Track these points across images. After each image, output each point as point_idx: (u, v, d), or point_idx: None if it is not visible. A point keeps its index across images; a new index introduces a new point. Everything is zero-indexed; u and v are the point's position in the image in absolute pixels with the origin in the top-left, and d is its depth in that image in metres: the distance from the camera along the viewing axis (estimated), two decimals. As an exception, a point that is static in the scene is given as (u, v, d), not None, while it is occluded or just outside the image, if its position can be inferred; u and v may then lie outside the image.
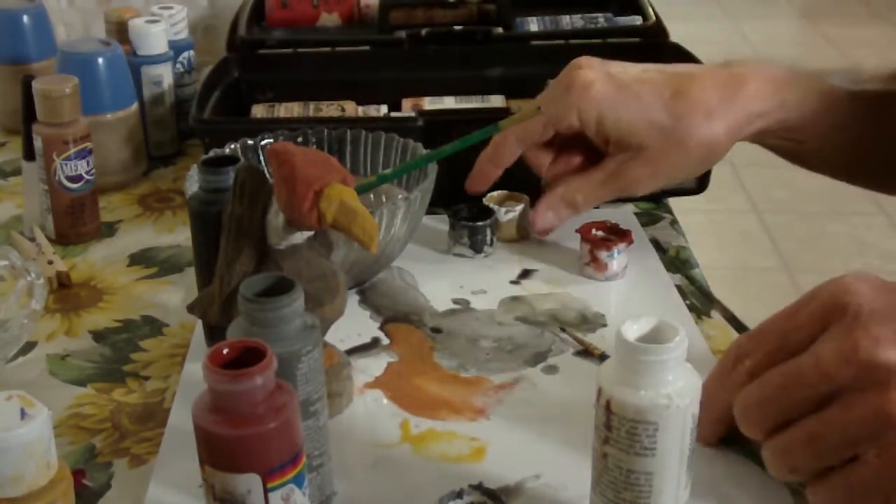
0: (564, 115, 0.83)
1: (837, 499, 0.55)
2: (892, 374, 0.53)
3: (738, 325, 0.79)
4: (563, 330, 0.73)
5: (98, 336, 0.83)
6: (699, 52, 1.04)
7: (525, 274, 0.90)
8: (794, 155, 0.88)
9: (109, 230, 1.00)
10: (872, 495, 0.54)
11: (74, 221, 0.96)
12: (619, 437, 0.56)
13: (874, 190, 0.93)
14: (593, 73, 0.83)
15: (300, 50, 1.13)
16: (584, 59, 0.84)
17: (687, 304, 0.85)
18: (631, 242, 0.89)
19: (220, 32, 1.27)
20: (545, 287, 0.88)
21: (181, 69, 1.15)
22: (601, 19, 1.18)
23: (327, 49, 1.14)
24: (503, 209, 0.92)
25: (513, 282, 0.89)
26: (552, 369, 0.77)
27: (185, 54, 1.15)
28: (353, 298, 0.85)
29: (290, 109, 1.06)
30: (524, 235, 0.93)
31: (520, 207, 0.92)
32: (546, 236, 0.90)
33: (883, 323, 0.54)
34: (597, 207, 0.90)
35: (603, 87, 0.82)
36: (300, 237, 0.67)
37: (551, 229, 0.90)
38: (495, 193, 0.94)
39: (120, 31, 1.14)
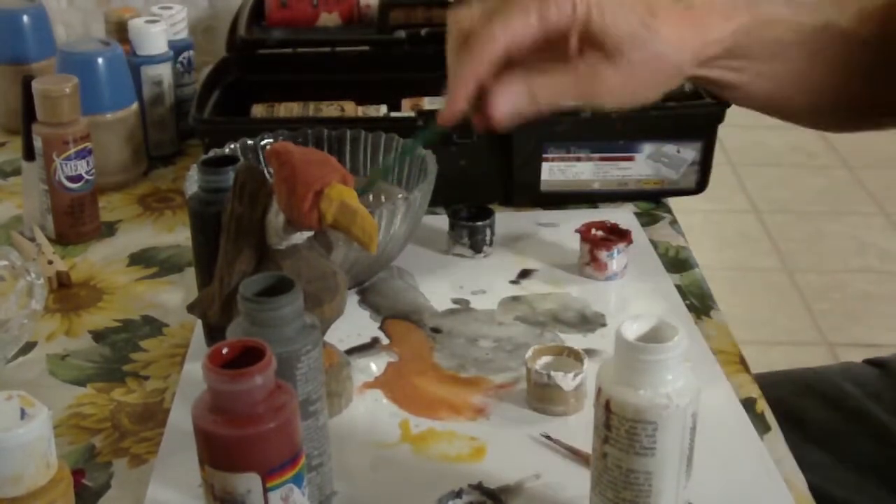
0: (562, 4, 0.73)
1: None
2: None
3: None
4: (549, 438, 0.71)
5: (98, 336, 0.83)
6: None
7: (525, 274, 0.90)
8: (730, 87, 0.86)
9: (109, 230, 1.00)
10: None
11: (74, 221, 0.96)
12: (618, 436, 0.56)
13: (810, 126, 0.90)
14: None
15: (300, 50, 1.13)
16: None
17: (686, 304, 0.85)
18: (631, 242, 0.89)
19: (220, 32, 1.27)
20: (545, 287, 0.88)
21: (181, 69, 1.15)
22: (601, 19, 1.18)
23: (327, 49, 1.13)
24: (570, 374, 0.72)
25: (512, 282, 0.89)
26: (552, 369, 0.77)
27: (185, 54, 1.15)
28: (353, 298, 0.85)
29: (290, 109, 1.05)
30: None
31: (582, 374, 0.73)
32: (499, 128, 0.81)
33: None
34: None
35: None
36: (300, 237, 0.67)
37: (506, 122, 0.76)
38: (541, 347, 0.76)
39: (120, 31, 1.14)
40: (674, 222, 0.99)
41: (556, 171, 1.00)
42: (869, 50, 0.80)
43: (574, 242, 0.90)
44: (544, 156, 0.99)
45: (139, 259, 0.95)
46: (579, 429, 0.69)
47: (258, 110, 1.06)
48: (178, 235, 0.98)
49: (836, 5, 0.83)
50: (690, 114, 0.99)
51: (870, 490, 0.88)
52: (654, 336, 0.56)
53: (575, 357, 0.74)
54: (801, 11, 0.82)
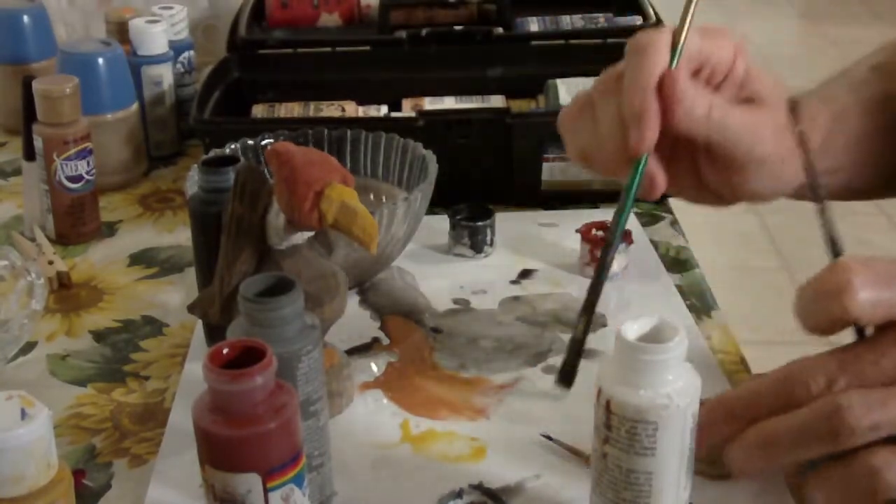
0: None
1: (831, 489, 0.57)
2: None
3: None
4: (550, 438, 0.71)
5: (98, 336, 0.83)
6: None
7: (525, 274, 0.90)
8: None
9: (110, 230, 1.00)
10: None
11: (75, 221, 0.96)
12: (618, 436, 0.56)
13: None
14: None
15: (300, 50, 1.13)
16: None
17: (687, 304, 0.85)
18: (631, 242, 0.89)
19: (221, 32, 1.27)
20: (545, 287, 0.88)
21: (181, 69, 1.15)
22: (601, 19, 1.18)
23: (327, 49, 1.14)
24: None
25: (513, 282, 0.89)
26: (552, 369, 0.77)
27: (186, 54, 1.15)
28: (353, 298, 0.85)
29: (290, 109, 1.06)
30: None
31: None
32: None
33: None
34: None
35: None
36: (300, 237, 0.67)
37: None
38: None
39: (120, 31, 1.14)
40: (674, 222, 0.99)
41: (556, 171, 1.00)
42: None
43: (574, 242, 0.90)
44: (544, 156, 0.99)
45: (139, 259, 0.95)
46: (579, 429, 0.69)
47: (258, 110, 1.06)
48: (178, 236, 0.98)
49: (888, 74, 0.80)
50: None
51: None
52: (655, 336, 0.56)
53: None
54: (860, 88, 0.80)
